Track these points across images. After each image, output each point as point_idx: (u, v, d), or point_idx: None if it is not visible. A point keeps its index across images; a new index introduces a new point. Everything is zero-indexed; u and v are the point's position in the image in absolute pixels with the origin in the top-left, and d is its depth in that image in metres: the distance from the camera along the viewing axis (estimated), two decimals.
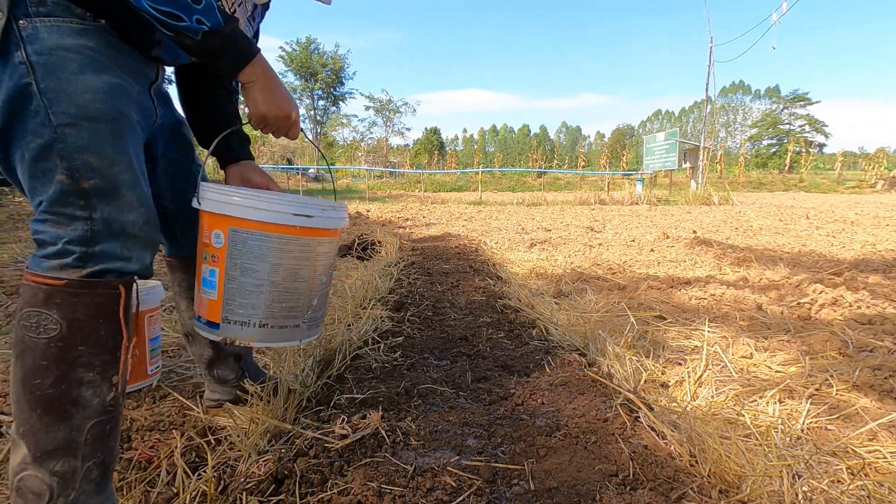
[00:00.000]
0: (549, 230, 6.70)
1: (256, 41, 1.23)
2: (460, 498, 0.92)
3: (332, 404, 1.35)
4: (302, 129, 1.11)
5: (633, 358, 1.72)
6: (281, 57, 35.87)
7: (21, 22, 0.82)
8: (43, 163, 0.83)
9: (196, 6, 0.85)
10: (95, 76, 0.86)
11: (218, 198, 0.97)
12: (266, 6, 1.23)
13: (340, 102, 38.55)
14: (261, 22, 1.25)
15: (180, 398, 1.40)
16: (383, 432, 1.14)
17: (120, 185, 0.86)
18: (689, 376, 1.59)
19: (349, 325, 2.07)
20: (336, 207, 1.07)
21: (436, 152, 48.85)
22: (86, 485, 0.84)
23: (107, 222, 0.85)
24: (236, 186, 1.03)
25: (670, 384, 1.59)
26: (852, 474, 1.05)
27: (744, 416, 1.32)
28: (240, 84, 0.99)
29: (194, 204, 1.01)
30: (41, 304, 0.82)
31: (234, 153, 1.19)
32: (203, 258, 1.02)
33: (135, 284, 0.90)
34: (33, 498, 0.81)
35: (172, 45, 0.96)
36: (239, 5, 1.10)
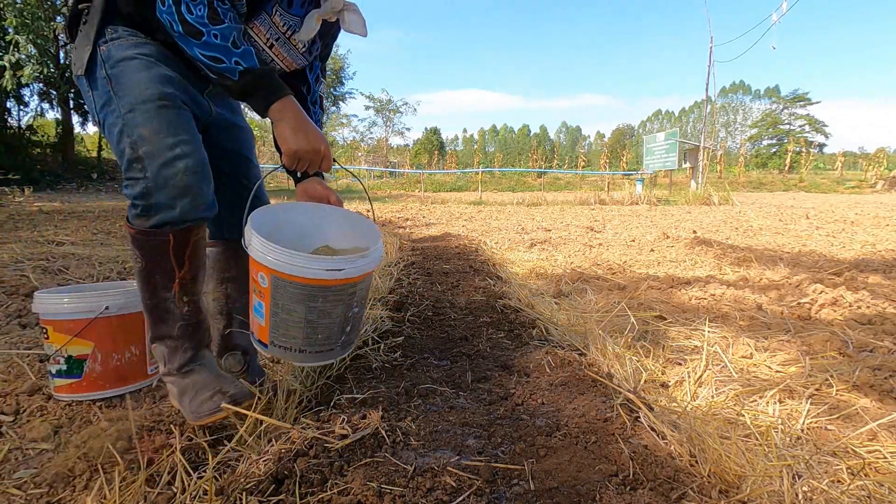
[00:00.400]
0: (549, 230, 6.70)
1: (316, 71, 1.42)
2: (460, 498, 0.92)
3: (332, 404, 1.35)
4: (335, 160, 1.24)
5: (633, 358, 1.72)
6: None
7: (101, 48, 1.13)
8: (120, 144, 1.12)
9: (235, 50, 1.07)
10: (147, 71, 1.13)
11: (261, 248, 1.10)
12: (322, 38, 1.36)
13: (340, 102, 38.55)
14: (322, 52, 1.40)
15: None
16: (383, 432, 1.14)
17: (163, 147, 1.10)
18: (689, 376, 1.59)
19: None
20: (367, 255, 1.18)
21: (436, 152, 48.85)
22: (184, 355, 1.22)
23: (155, 178, 1.10)
24: (276, 246, 1.11)
25: (670, 384, 1.59)
26: (852, 474, 1.05)
27: (744, 416, 1.32)
28: (271, 121, 1.16)
29: (244, 244, 1.16)
30: (131, 245, 1.17)
31: (302, 175, 1.36)
32: (252, 290, 1.20)
33: (191, 227, 1.15)
34: (158, 359, 1.24)
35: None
36: (277, 40, 1.26)
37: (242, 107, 1.45)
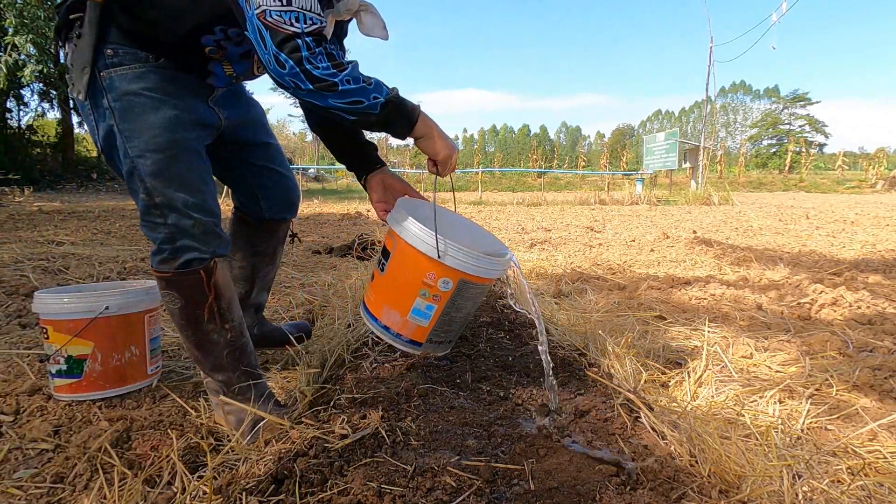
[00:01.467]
0: (549, 230, 6.70)
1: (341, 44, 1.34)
2: (460, 498, 0.92)
3: (332, 404, 1.35)
4: None
5: (633, 358, 1.72)
6: None
7: (102, 73, 1.07)
8: (131, 183, 1.14)
9: (369, 87, 1.04)
10: (155, 114, 1.09)
11: (457, 256, 1.15)
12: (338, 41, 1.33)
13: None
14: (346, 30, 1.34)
15: (179, 400, 1.40)
16: (383, 432, 1.14)
17: (176, 201, 1.13)
18: (689, 376, 1.59)
19: (349, 325, 2.07)
20: (510, 256, 1.32)
21: None
22: (237, 383, 1.26)
23: (176, 226, 1.14)
24: (466, 247, 1.17)
25: (670, 384, 1.59)
26: (852, 474, 1.05)
27: (744, 416, 1.32)
28: (414, 140, 1.19)
29: (433, 256, 1.15)
30: (165, 288, 1.20)
31: (375, 163, 1.38)
32: (421, 294, 1.21)
33: (215, 261, 1.21)
34: (213, 392, 1.28)
35: (223, 76, 1.21)
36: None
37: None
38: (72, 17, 1.08)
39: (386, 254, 1.27)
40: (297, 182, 1.58)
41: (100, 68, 1.07)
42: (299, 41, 0.97)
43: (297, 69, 0.98)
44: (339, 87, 1.01)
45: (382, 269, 1.27)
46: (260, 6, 0.96)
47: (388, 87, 1.09)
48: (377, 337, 1.34)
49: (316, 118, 1.35)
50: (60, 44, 1.16)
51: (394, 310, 1.25)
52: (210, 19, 1.08)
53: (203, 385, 1.55)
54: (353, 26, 1.29)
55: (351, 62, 1.05)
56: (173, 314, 1.22)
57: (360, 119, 1.07)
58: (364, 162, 1.36)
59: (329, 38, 1.14)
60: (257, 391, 1.29)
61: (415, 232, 1.15)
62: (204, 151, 1.21)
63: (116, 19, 1.06)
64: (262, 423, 1.21)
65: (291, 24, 0.97)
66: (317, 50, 0.99)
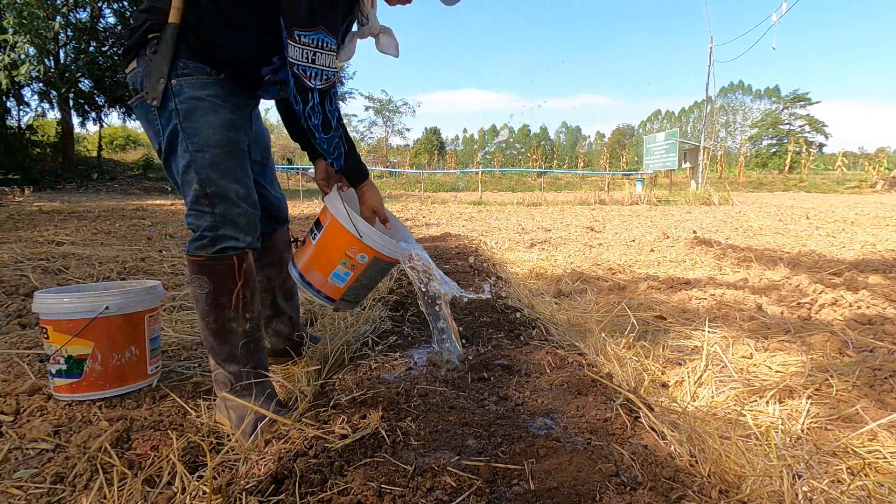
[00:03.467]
0: (549, 230, 6.70)
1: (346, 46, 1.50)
2: (460, 498, 0.92)
3: (332, 404, 1.35)
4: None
5: (634, 358, 1.72)
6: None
7: (173, 81, 1.24)
8: (186, 175, 1.27)
9: (333, 157, 1.40)
10: (214, 115, 1.27)
11: (378, 239, 1.47)
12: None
13: (340, 102, 38.41)
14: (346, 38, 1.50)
15: (179, 400, 1.40)
16: (383, 432, 1.14)
17: (229, 191, 1.28)
18: (689, 376, 1.59)
19: (349, 325, 2.07)
20: (413, 244, 1.67)
21: (436, 152, 48.84)
22: (246, 379, 1.32)
23: (222, 216, 1.27)
24: (386, 237, 1.49)
25: (670, 384, 1.59)
26: (852, 474, 1.05)
27: (744, 416, 1.32)
28: (360, 187, 1.52)
29: (346, 226, 1.44)
30: (196, 272, 1.29)
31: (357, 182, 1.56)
32: (342, 263, 1.48)
33: (248, 253, 1.35)
34: (222, 385, 1.33)
35: (273, 89, 1.42)
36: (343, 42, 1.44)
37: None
38: (150, 36, 1.26)
39: (319, 226, 1.51)
40: (284, 199, 1.76)
41: (171, 77, 1.25)
42: (310, 94, 1.27)
43: (302, 112, 1.30)
44: (317, 138, 1.35)
45: (314, 238, 1.52)
46: (292, 58, 1.22)
47: (344, 157, 1.42)
48: (300, 289, 1.58)
49: (283, 116, 1.61)
50: (125, 58, 1.33)
51: (318, 271, 1.50)
52: (264, 53, 1.32)
53: (203, 386, 1.55)
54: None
55: (335, 131, 1.36)
56: (199, 300, 1.31)
57: (328, 161, 1.43)
58: (314, 150, 1.55)
59: (350, 59, 1.48)
60: (260, 389, 1.34)
61: (349, 215, 1.43)
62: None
63: (188, 39, 1.25)
64: (262, 421, 1.25)
65: (311, 80, 1.24)
66: (314, 106, 1.29)
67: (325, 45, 1.23)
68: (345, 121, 1.49)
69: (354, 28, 1.43)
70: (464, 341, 2.00)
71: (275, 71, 1.37)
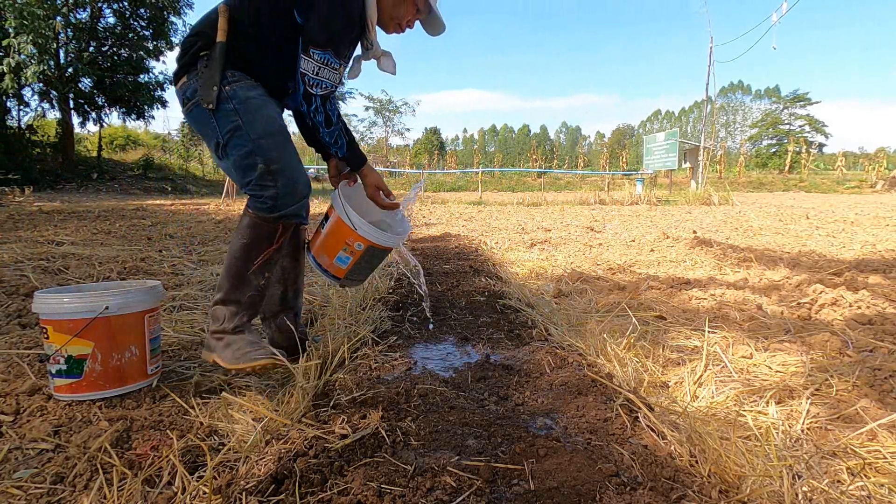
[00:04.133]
0: (549, 230, 6.70)
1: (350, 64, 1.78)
2: (460, 498, 0.92)
3: (332, 404, 1.35)
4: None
5: (634, 358, 1.72)
6: None
7: (226, 87, 1.51)
8: (247, 160, 1.52)
9: (336, 147, 1.71)
10: (266, 109, 1.56)
11: (371, 232, 1.73)
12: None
13: (340, 102, 38.50)
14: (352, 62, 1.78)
15: (179, 400, 1.40)
16: (383, 432, 1.14)
17: (289, 168, 1.55)
18: (689, 376, 1.59)
19: (349, 325, 2.07)
20: (405, 234, 1.93)
21: (436, 152, 48.82)
22: (240, 321, 1.56)
23: (284, 188, 1.54)
24: (379, 230, 1.76)
25: (670, 384, 1.59)
26: (852, 474, 1.05)
27: (744, 416, 1.32)
28: (361, 170, 1.81)
29: (345, 220, 1.73)
30: (246, 226, 1.56)
31: (332, 153, 1.80)
32: (343, 249, 1.77)
33: (292, 226, 1.63)
34: (216, 320, 1.55)
35: (295, 97, 1.63)
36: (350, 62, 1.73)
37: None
38: (201, 54, 1.53)
39: (327, 218, 1.82)
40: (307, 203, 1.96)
41: (224, 84, 1.51)
42: (313, 98, 1.59)
43: (308, 111, 1.61)
44: (321, 132, 1.66)
45: (323, 228, 1.83)
46: (303, 69, 1.53)
47: (346, 146, 1.73)
48: (313, 269, 1.88)
49: (299, 125, 1.81)
50: (179, 72, 1.59)
51: (325, 255, 1.81)
52: (292, 72, 1.59)
53: (203, 386, 1.55)
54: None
55: (335, 126, 1.68)
56: (234, 246, 1.57)
57: (333, 150, 1.73)
58: (325, 151, 1.79)
59: (357, 76, 1.81)
60: (250, 331, 1.59)
61: (345, 210, 1.73)
62: None
63: (232, 55, 1.53)
64: (245, 349, 1.50)
65: (312, 88, 1.56)
66: (316, 104, 1.60)
67: (329, 63, 1.56)
68: (345, 119, 1.75)
69: (360, 51, 1.74)
70: (464, 341, 2.00)
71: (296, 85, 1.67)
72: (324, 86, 1.58)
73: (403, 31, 1.77)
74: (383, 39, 1.80)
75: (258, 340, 1.56)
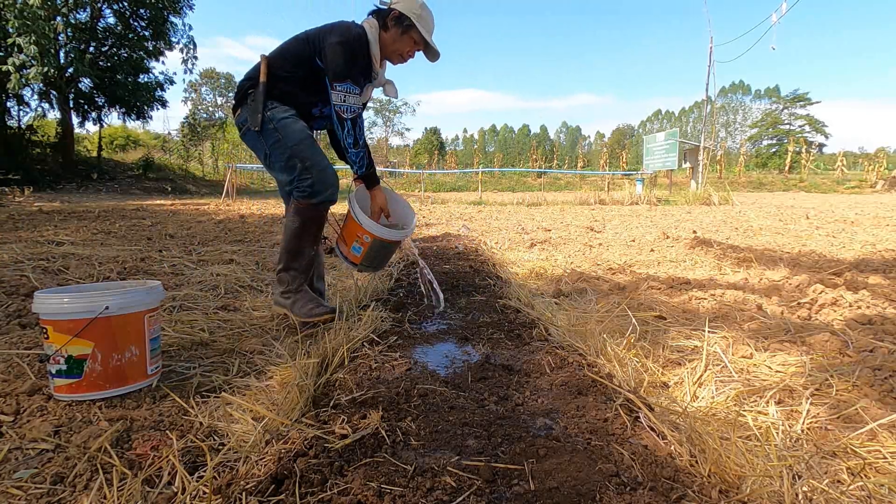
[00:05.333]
0: (549, 230, 6.70)
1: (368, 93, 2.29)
2: (460, 498, 0.92)
3: (332, 404, 1.35)
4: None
5: (634, 358, 1.72)
6: None
7: (267, 113, 2.04)
8: (290, 161, 2.04)
9: (358, 166, 2.21)
10: (297, 124, 2.07)
11: (372, 226, 2.22)
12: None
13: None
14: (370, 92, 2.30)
15: (179, 400, 1.40)
16: (383, 432, 1.14)
17: (319, 163, 2.05)
18: (689, 376, 1.59)
19: (349, 325, 2.07)
20: (410, 229, 2.39)
21: (436, 152, 48.82)
22: (298, 283, 2.11)
23: (318, 177, 2.04)
24: (380, 225, 2.26)
25: (670, 384, 1.59)
26: (852, 474, 1.05)
27: (744, 416, 1.32)
28: (372, 190, 2.30)
29: (354, 217, 2.24)
30: (295, 212, 2.07)
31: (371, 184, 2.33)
32: (356, 241, 2.26)
33: (328, 208, 2.14)
34: (283, 283, 2.11)
35: (320, 122, 2.26)
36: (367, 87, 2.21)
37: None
38: (249, 91, 2.09)
39: (346, 217, 2.32)
40: None
41: (265, 110, 2.04)
42: (345, 122, 2.07)
43: (342, 135, 2.09)
44: (349, 152, 2.15)
45: (343, 222, 2.34)
46: (334, 101, 2.04)
47: (366, 167, 2.22)
48: (337, 255, 2.39)
49: (330, 138, 2.41)
50: (236, 104, 2.17)
51: (344, 244, 2.32)
52: (316, 103, 2.16)
53: (203, 386, 1.56)
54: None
55: (361, 149, 2.16)
56: (288, 228, 2.09)
57: (354, 168, 2.23)
58: (350, 166, 2.27)
59: (368, 101, 2.31)
60: (306, 290, 2.14)
61: (355, 210, 2.23)
62: None
63: (271, 90, 2.06)
64: (310, 306, 2.08)
65: (344, 113, 2.05)
66: (347, 128, 2.07)
67: (351, 91, 2.03)
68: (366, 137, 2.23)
69: (371, 80, 2.19)
70: (464, 341, 2.00)
71: (321, 112, 2.20)
72: (352, 110, 2.05)
73: (406, 62, 2.23)
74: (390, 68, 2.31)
75: (315, 298, 2.12)
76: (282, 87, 2.07)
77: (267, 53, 2.13)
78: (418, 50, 2.18)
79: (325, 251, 2.51)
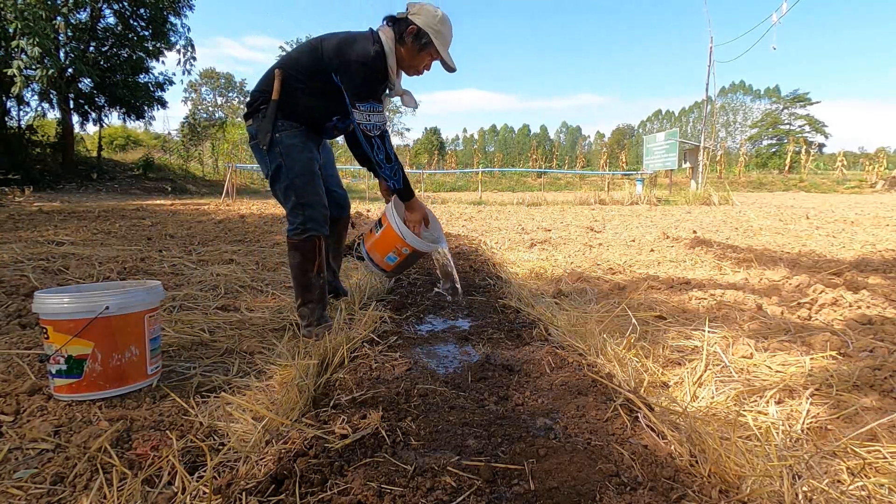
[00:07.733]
0: (549, 230, 6.70)
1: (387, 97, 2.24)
2: (460, 498, 0.92)
3: (332, 404, 1.35)
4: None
5: (634, 358, 1.72)
6: (281, 56, 35.92)
7: (276, 134, 2.04)
8: (287, 192, 2.07)
9: (394, 180, 2.17)
10: (302, 154, 2.08)
11: (414, 240, 2.28)
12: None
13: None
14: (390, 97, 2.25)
15: (179, 400, 1.40)
16: (383, 432, 1.14)
17: (314, 201, 2.09)
18: (689, 376, 1.59)
19: (349, 325, 2.07)
20: (441, 242, 2.53)
21: (436, 152, 48.81)
22: (317, 314, 2.10)
23: (310, 215, 2.07)
24: (418, 238, 2.32)
25: (670, 384, 1.59)
26: (852, 474, 1.05)
27: (744, 416, 1.32)
28: (409, 202, 2.29)
29: (395, 230, 2.29)
30: (292, 249, 2.09)
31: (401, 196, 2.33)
32: (392, 251, 2.32)
33: (322, 238, 2.11)
34: (303, 318, 2.11)
35: (332, 133, 2.25)
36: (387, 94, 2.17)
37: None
38: (261, 106, 2.07)
39: (379, 224, 2.36)
40: (347, 195, 2.52)
41: (275, 131, 2.04)
42: (373, 140, 2.04)
43: (372, 154, 2.08)
44: (382, 168, 2.12)
45: (377, 232, 2.36)
46: (358, 120, 2.00)
47: (401, 182, 2.19)
48: (366, 264, 2.45)
49: (349, 144, 2.43)
50: (246, 117, 2.15)
51: (378, 253, 2.36)
52: (328, 116, 2.14)
53: (203, 386, 1.56)
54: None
55: (394, 163, 2.13)
56: (292, 266, 2.11)
57: (390, 183, 2.19)
58: (383, 182, 2.30)
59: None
60: (325, 319, 2.12)
61: (396, 223, 2.28)
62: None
63: (283, 107, 2.05)
64: (323, 328, 2.03)
65: (370, 131, 2.01)
66: (377, 145, 2.05)
67: (375, 109, 1.99)
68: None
69: (387, 92, 2.16)
70: (464, 341, 2.00)
71: (335, 124, 2.19)
72: (378, 127, 2.03)
73: (421, 74, 2.20)
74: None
75: (329, 329, 2.04)
76: (297, 100, 2.05)
77: (272, 60, 2.18)
78: (435, 59, 2.11)
79: (356, 257, 2.66)
